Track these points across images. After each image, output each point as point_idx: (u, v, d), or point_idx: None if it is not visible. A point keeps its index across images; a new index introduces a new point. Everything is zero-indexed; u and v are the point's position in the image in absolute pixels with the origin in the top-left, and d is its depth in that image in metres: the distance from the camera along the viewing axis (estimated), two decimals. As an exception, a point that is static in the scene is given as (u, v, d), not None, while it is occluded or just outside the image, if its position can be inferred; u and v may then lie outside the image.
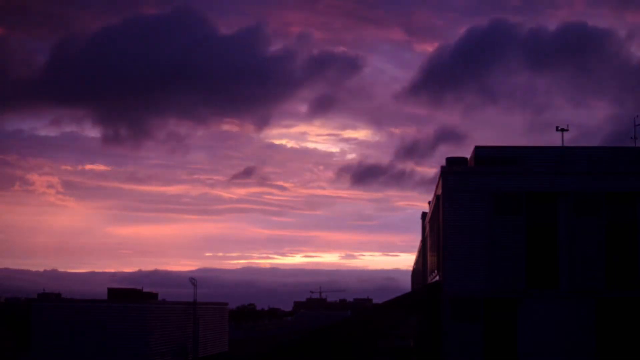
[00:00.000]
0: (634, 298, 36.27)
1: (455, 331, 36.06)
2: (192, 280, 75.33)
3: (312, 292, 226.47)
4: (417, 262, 74.26)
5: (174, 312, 70.44)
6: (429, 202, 51.11)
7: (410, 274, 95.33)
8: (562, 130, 42.78)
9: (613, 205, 36.64)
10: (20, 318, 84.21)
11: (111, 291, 75.61)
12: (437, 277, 40.38)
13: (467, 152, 40.49)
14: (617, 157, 38.04)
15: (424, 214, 60.86)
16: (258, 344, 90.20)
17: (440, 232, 38.46)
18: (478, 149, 38.43)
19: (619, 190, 36.60)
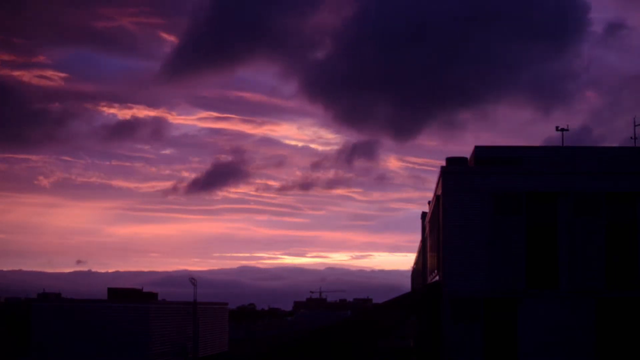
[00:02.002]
0: (634, 298, 36.27)
1: (455, 331, 36.07)
2: (192, 280, 75.30)
3: (312, 292, 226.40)
4: (417, 262, 74.26)
5: (174, 312, 70.44)
6: (429, 202, 51.13)
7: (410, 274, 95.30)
8: (562, 130, 42.89)
9: (613, 205, 36.64)
10: (20, 318, 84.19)
11: (111, 291, 75.64)
12: (437, 277, 40.39)
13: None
14: (617, 157, 38.04)
15: (424, 214, 60.88)
16: (258, 344, 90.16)
17: (440, 232, 38.47)
18: (478, 149, 38.44)
19: (619, 190, 36.60)
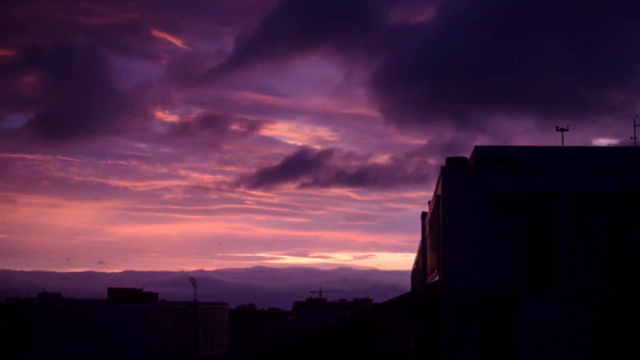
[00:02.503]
0: (634, 298, 36.26)
1: (455, 331, 36.06)
2: (192, 280, 75.33)
3: (312, 292, 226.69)
4: (417, 262, 74.27)
5: (174, 312, 70.44)
6: (429, 202, 51.12)
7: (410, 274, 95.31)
8: (562, 130, 42.91)
9: (613, 205, 36.62)
10: (20, 318, 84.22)
11: (111, 291, 75.65)
12: (437, 277, 40.38)
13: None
14: (617, 157, 38.04)
15: (424, 214, 60.88)
16: (258, 344, 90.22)
17: (440, 232, 38.46)
18: (478, 149, 38.43)
19: (619, 190, 36.60)
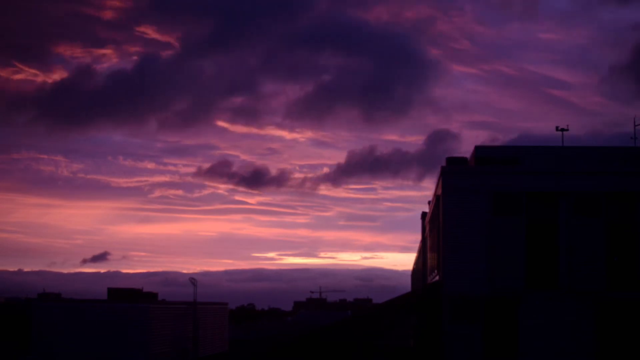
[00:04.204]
0: (634, 298, 36.28)
1: (455, 331, 36.09)
2: (192, 280, 75.34)
3: (312, 292, 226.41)
4: (417, 262, 74.29)
5: (174, 312, 70.45)
6: (429, 202, 51.14)
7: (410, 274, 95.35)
8: (562, 130, 42.94)
9: (613, 205, 36.64)
10: (20, 318, 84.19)
11: (111, 291, 75.58)
12: (437, 277, 40.40)
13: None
14: (617, 157, 38.06)
15: (424, 214, 60.89)
16: (258, 344, 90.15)
17: (440, 232, 38.48)
18: (478, 149, 38.47)
19: (619, 190, 36.62)
